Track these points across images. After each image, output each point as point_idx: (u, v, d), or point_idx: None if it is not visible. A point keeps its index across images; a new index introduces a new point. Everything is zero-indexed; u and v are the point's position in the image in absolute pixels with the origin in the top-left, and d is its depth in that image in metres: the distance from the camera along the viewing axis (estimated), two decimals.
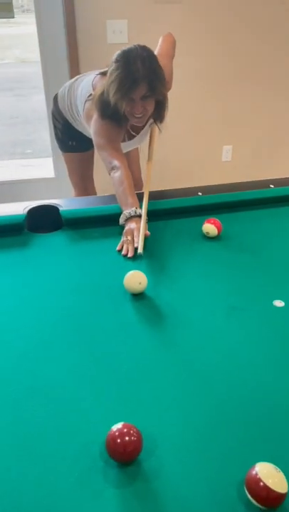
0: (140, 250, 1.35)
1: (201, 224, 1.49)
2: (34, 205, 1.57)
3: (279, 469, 0.71)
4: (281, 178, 1.77)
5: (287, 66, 3.18)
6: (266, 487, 0.69)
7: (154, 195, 1.60)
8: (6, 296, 1.22)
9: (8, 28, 12.32)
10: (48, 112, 3.08)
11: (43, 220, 1.55)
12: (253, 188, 1.69)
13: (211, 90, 3.13)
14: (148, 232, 1.42)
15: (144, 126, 1.86)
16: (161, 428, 0.84)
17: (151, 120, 1.80)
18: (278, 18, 2.99)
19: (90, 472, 0.76)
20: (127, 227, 1.46)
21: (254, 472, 0.71)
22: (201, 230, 1.48)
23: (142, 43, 1.54)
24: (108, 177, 1.63)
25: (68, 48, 2.87)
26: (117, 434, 0.77)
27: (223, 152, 3.39)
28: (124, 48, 1.53)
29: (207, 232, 1.47)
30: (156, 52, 1.68)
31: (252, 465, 0.73)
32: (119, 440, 0.76)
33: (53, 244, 1.46)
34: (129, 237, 1.42)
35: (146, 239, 1.40)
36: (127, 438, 0.76)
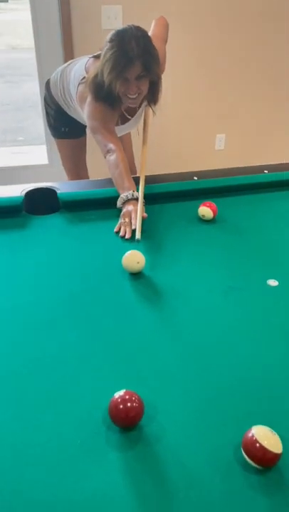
0: (138, 235, 1.37)
1: (197, 208, 1.52)
2: (32, 188, 1.58)
3: (274, 431, 0.75)
4: (275, 164, 1.80)
5: (282, 55, 3.20)
6: (262, 448, 0.73)
7: (149, 180, 1.62)
8: (5, 276, 1.24)
9: None
10: (41, 98, 3.08)
11: (41, 202, 1.57)
12: (248, 174, 1.72)
13: (204, 79, 3.14)
14: (145, 215, 1.45)
15: (137, 109, 1.87)
16: (161, 396, 0.87)
17: (145, 103, 1.81)
18: (274, 7, 3.00)
19: (94, 437, 0.80)
20: (124, 210, 1.48)
21: (250, 434, 0.75)
22: (197, 213, 1.51)
23: None
24: (101, 163, 1.64)
25: (62, 34, 2.86)
26: (119, 400, 0.80)
27: (217, 141, 3.41)
28: (119, 28, 1.53)
29: (203, 215, 1.50)
30: (149, 34, 1.69)
31: (248, 428, 0.76)
32: (121, 406, 0.79)
33: (51, 226, 1.48)
34: (126, 219, 1.44)
35: (143, 221, 1.43)
36: (128, 404, 0.80)
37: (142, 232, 1.39)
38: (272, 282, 1.22)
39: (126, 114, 1.85)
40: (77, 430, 0.81)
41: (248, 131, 3.41)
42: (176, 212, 1.56)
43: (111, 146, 1.61)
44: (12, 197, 1.53)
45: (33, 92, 6.49)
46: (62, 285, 1.21)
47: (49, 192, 1.59)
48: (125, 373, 0.93)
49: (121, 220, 1.46)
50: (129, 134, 2.16)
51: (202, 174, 1.71)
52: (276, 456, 0.73)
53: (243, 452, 0.75)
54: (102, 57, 1.56)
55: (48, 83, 2.03)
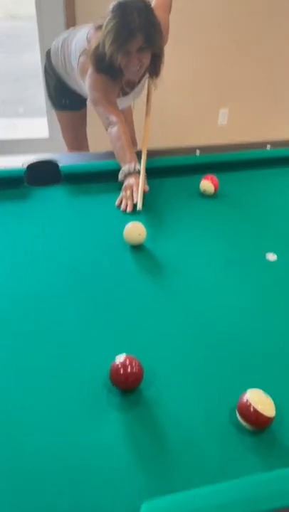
0: (139, 206, 1.38)
1: (198, 182, 1.52)
2: (34, 160, 1.58)
3: (268, 395, 0.78)
4: (278, 140, 1.79)
5: (285, 28, 3.13)
6: (256, 412, 0.76)
7: (151, 153, 1.62)
8: (7, 246, 1.26)
9: None
10: (42, 69, 3.03)
11: (42, 174, 1.57)
12: (251, 149, 1.72)
13: (207, 51, 3.08)
14: (147, 188, 1.45)
15: (138, 82, 1.85)
16: (160, 362, 0.91)
17: (146, 76, 1.79)
18: None
19: (96, 399, 0.83)
20: (126, 183, 1.48)
21: (245, 399, 0.78)
22: (198, 188, 1.52)
23: None
24: (101, 136, 1.63)
25: (65, 2, 2.79)
26: (119, 365, 0.83)
27: (219, 115, 3.38)
28: None
29: (204, 190, 1.51)
30: (152, 5, 1.66)
31: (243, 392, 0.80)
32: (122, 370, 0.83)
33: (53, 198, 1.49)
34: (128, 193, 1.45)
35: (144, 195, 1.44)
36: (128, 369, 0.83)
37: (143, 205, 1.40)
38: (271, 256, 1.24)
39: (126, 87, 1.83)
40: (80, 393, 0.84)
41: (251, 106, 3.37)
42: (177, 186, 1.57)
43: (113, 118, 1.61)
44: (14, 168, 1.53)
45: (33, 62, 6.34)
46: (64, 256, 1.23)
47: (51, 164, 1.59)
48: (126, 340, 0.96)
49: (122, 194, 1.47)
50: (130, 107, 2.14)
51: (204, 148, 1.70)
52: (269, 420, 0.77)
53: (238, 415, 0.79)
54: (103, 28, 1.53)
55: (48, 53, 2.00)
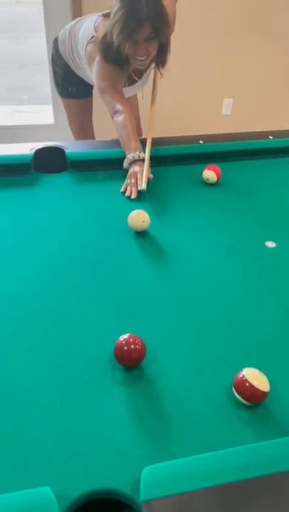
0: (144, 186, 1.41)
1: (201, 171, 1.56)
2: (40, 146, 1.62)
3: (262, 373, 0.83)
4: (280, 130, 1.83)
5: None
6: (251, 386, 0.81)
7: (156, 142, 1.66)
8: (16, 230, 1.30)
9: None
10: (48, 56, 3.04)
11: (49, 161, 1.61)
12: (253, 139, 1.75)
13: (212, 41, 3.09)
14: (151, 176, 1.49)
15: (145, 70, 1.87)
16: (162, 341, 0.96)
17: (153, 65, 1.82)
18: None
19: (101, 374, 0.88)
20: (130, 171, 1.52)
21: (241, 375, 0.83)
22: (201, 177, 1.56)
23: None
24: (107, 124, 1.66)
25: None
26: (124, 342, 0.88)
27: (224, 105, 3.40)
28: None
29: (207, 179, 1.54)
30: None
31: (239, 370, 0.85)
32: (125, 348, 0.88)
33: (59, 184, 1.53)
34: (132, 180, 1.49)
35: (149, 182, 1.47)
36: (132, 346, 0.88)
37: (147, 194, 1.44)
38: (270, 244, 1.28)
39: (133, 76, 1.85)
40: (86, 368, 0.90)
41: (256, 97, 3.39)
42: (181, 174, 1.61)
43: (119, 107, 1.64)
44: (21, 155, 1.57)
45: (38, 48, 6.33)
46: (70, 240, 1.27)
47: (57, 151, 1.62)
48: (129, 320, 1.01)
49: (127, 181, 1.51)
50: (135, 96, 2.17)
51: (208, 138, 1.74)
52: (264, 394, 0.82)
53: (234, 391, 0.84)
54: (111, 16, 1.55)
55: (56, 41, 2.02)
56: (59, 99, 2.22)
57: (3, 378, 0.88)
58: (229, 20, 3.03)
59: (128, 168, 1.55)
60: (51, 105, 3.30)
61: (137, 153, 1.54)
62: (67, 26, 1.98)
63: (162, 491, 0.66)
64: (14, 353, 0.93)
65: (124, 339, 0.89)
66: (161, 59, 1.72)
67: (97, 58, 1.68)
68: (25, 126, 3.33)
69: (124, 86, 1.83)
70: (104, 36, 1.61)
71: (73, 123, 2.21)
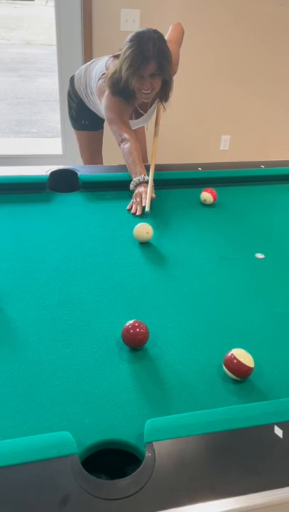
0: (147, 209, 1.60)
1: (199, 193, 1.75)
2: (56, 169, 1.81)
3: (248, 352, 0.98)
4: (271, 161, 2.03)
5: (286, 61, 3.43)
6: (239, 362, 0.96)
7: (158, 168, 1.85)
8: (34, 239, 1.47)
9: (13, 9, 12.38)
10: (60, 93, 3.30)
11: (63, 182, 1.79)
12: (246, 167, 1.95)
13: (212, 81, 3.37)
14: (154, 195, 1.68)
15: (150, 105, 2.08)
16: (162, 328, 1.11)
17: (157, 101, 2.03)
18: (278, 16, 3.23)
19: (109, 353, 1.03)
20: (136, 191, 1.71)
21: (230, 354, 0.98)
22: (199, 198, 1.74)
23: None
24: (114, 153, 1.85)
25: (83, 34, 3.08)
26: (130, 326, 1.03)
27: (221, 141, 3.64)
28: (138, 30, 1.75)
29: (204, 200, 1.73)
30: (166, 38, 1.91)
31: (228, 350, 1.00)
32: (131, 330, 1.02)
33: (72, 202, 1.71)
34: (138, 199, 1.67)
35: (152, 201, 1.65)
36: (137, 329, 1.03)
37: (151, 211, 1.61)
38: (259, 255, 1.45)
39: (139, 109, 2.07)
40: (97, 348, 1.04)
41: (252, 134, 3.64)
42: (180, 196, 1.79)
43: (125, 135, 1.84)
44: (39, 175, 1.76)
45: (46, 87, 6.73)
46: (82, 249, 1.43)
47: (71, 173, 1.81)
48: (135, 312, 1.16)
49: (133, 200, 1.69)
50: (143, 128, 2.38)
51: (206, 166, 1.94)
52: (249, 369, 0.96)
53: (224, 367, 0.98)
54: (121, 55, 1.77)
55: (72, 79, 2.25)
56: (68, 133, 2.43)
57: (31, 353, 1.02)
58: (228, 66, 3.32)
59: (134, 190, 1.73)
60: (60, 138, 3.54)
61: (142, 176, 1.73)
62: (83, 66, 2.22)
63: (161, 436, 0.80)
64: (41, 335, 1.08)
65: (130, 324, 1.04)
66: (164, 94, 1.93)
67: (107, 92, 1.88)
68: (37, 155, 3.56)
69: (132, 119, 2.04)
70: (114, 73, 1.81)
71: (84, 153, 2.41)
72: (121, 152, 1.85)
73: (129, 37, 1.75)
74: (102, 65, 2.03)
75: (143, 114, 2.11)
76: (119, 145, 1.86)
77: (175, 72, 1.99)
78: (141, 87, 1.79)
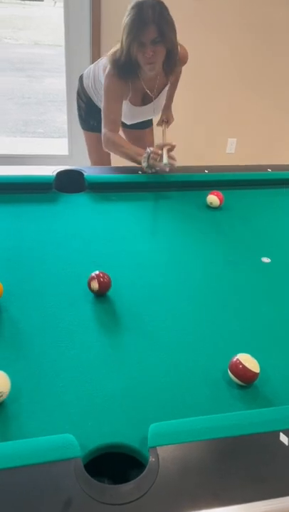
0: (166, 161, 1.66)
1: (206, 196, 1.74)
2: (62, 169, 1.81)
3: (254, 358, 0.97)
4: (278, 164, 2.02)
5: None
6: (244, 368, 0.95)
7: (165, 170, 1.84)
8: (40, 238, 1.47)
9: (22, 9, 12.44)
10: (67, 94, 3.30)
11: (69, 182, 1.79)
12: (253, 171, 1.94)
13: (218, 84, 3.37)
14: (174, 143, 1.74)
15: (160, 91, 2.02)
16: (167, 332, 1.11)
17: (166, 88, 1.98)
18: (285, 19, 3.23)
19: (113, 355, 1.02)
20: (152, 150, 1.74)
21: (235, 359, 0.97)
22: (206, 201, 1.73)
23: None
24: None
25: (91, 34, 3.08)
26: (94, 275, 1.18)
27: (228, 144, 3.63)
28: None
29: (210, 203, 1.72)
30: None
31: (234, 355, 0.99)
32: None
33: (77, 202, 1.70)
34: (159, 151, 1.72)
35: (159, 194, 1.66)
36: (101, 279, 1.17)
37: (159, 213, 1.60)
38: (266, 260, 1.44)
39: (146, 89, 1.97)
40: (100, 351, 1.04)
41: (258, 137, 3.63)
42: (187, 199, 1.78)
43: (116, 126, 1.84)
44: (45, 176, 1.76)
45: (53, 87, 6.75)
46: (86, 249, 1.43)
47: (77, 174, 1.81)
48: (139, 316, 1.16)
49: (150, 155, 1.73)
50: (151, 133, 2.36)
51: (212, 168, 1.93)
52: (254, 375, 0.95)
53: (229, 371, 0.97)
54: (122, 25, 1.71)
55: (81, 77, 2.23)
56: (74, 133, 2.42)
57: (34, 354, 1.02)
58: (235, 68, 3.32)
59: (148, 166, 1.75)
60: (66, 138, 3.55)
61: (148, 149, 1.73)
62: (92, 65, 2.21)
63: (165, 441, 0.79)
64: (45, 336, 1.07)
65: (96, 274, 1.18)
66: (169, 67, 1.85)
67: (108, 69, 1.83)
68: (43, 155, 3.56)
69: (138, 105, 2.01)
70: (116, 51, 1.78)
71: (92, 153, 2.40)
72: (109, 139, 1.88)
73: (129, 6, 1.70)
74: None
75: (151, 96, 2.03)
76: (106, 132, 1.88)
77: (184, 62, 1.98)
78: (143, 55, 1.72)
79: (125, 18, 1.70)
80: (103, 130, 1.86)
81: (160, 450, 0.78)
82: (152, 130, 2.42)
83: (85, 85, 2.20)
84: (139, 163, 1.83)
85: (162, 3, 1.70)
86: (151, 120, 2.34)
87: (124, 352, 1.04)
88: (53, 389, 0.94)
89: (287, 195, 1.87)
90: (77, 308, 1.17)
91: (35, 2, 12.23)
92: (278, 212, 1.75)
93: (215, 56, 3.25)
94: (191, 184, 1.85)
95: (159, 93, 2.06)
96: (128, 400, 0.92)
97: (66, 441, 0.78)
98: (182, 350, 1.06)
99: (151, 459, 0.77)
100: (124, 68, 1.78)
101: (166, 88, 2.00)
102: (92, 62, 2.99)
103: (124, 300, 1.21)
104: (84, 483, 0.72)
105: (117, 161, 2.43)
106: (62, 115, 5.17)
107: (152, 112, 2.15)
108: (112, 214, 1.65)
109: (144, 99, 2.04)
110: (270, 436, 0.82)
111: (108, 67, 1.83)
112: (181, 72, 2.06)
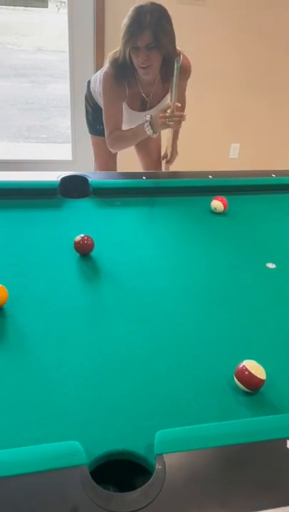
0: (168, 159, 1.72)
1: (210, 201, 1.74)
2: (66, 175, 1.81)
3: (260, 364, 0.96)
4: (282, 170, 2.02)
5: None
6: (251, 374, 0.94)
7: (170, 175, 1.85)
8: (45, 242, 1.47)
9: (26, 15, 12.52)
10: (71, 99, 3.32)
11: (73, 188, 1.79)
12: (257, 176, 1.94)
13: (221, 90, 3.38)
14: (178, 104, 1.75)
15: (158, 99, 2.02)
16: (172, 338, 1.11)
17: (167, 96, 1.97)
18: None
19: (119, 361, 1.02)
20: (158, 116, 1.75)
21: (241, 365, 0.96)
22: (210, 206, 1.73)
23: None
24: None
25: (95, 40, 3.10)
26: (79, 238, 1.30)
27: (231, 149, 3.64)
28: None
29: (215, 208, 1.72)
30: None
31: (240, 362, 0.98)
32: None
33: (82, 207, 1.71)
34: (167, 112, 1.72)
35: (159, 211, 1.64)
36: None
37: (162, 219, 1.60)
38: (271, 265, 1.43)
39: (142, 94, 1.99)
40: (106, 356, 1.03)
41: (261, 142, 3.64)
42: (191, 204, 1.78)
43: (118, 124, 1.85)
44: (50, 181, 1.76)
45: (56, 92, 6.78)
46: (91, 254, 1.42)
47: (81, 179, 1.81)
48: (143, 320, 1.15)
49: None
50: (159, 139, 2.36)
51: (216, 174, 1.93)
52: (261, 381, 0.94)
53: (235, 378, 0.96)
54: (121, 25, 1.72)
55: (88, 82, 2.24)
56: (78, 139, 2.43)
57: (39, 360, 1.02)
58: (238, 73, 3.33)
59: (152, 129, 1.79)
60: (69, 144, 3.56)
61: (145, 118, 1.77)
62: (98, 71, 2.22)
63: (172, 448, 0.78)
64: (50, 341, 1.07)
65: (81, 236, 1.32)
66: (166, 73, 1.86)
67: (105, 66, 1.86)
68: (47, 161, 3.57)
69: (136, 110, 2.01)
70: (116, 51, 1.80)
71: (98, 157, 2.39)
72: (109, 142, 1.94)
73: (131, 7, 1.71)
74: None
75: (147, 101, 2.04)
76: (108, 135, 1.92)
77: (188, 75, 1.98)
78: (137, 59, 1.72)
79: (125, 19, 1.72)
80: (106, 135, 1.87)
81: (167, 457, 0.77)
82: (160, 135, 2.41)
83: (91, 90, 2.21)
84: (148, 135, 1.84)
85: (163, 10, 1.71)
86: None
87: (129, 358, 1.04)
88: (58, 395, 0.93)
89: None
90: (82, 313, 1.17)
91: (38, 8, 12.33)
92: (283, 218, 1.75)
93: (218, 61, 3.26)
94: (195, 189, 1.85)
95: (158, 102, 2.07)
96: (133, 406, 0.92)
97: (72, 448, 0.77)
98: (188, 356, 1.05)
99: (158, 467, 0.76)
100: (121, 68, 1.80)
101: (167, 96, 2.01)
102: (96, 68, 3.02)
103: (128, 305, 1.21)
104: (90, 491, 0.72)
105: (123, 165, 2.44)
106: (65, 120, 5.19)
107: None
108: (116, 219, 1.65)
109: (143, 105, 2.05)
110: (277, 443, 0.82)
111: (107, 65, 1.86)
112: (186, 85, 2.05)
